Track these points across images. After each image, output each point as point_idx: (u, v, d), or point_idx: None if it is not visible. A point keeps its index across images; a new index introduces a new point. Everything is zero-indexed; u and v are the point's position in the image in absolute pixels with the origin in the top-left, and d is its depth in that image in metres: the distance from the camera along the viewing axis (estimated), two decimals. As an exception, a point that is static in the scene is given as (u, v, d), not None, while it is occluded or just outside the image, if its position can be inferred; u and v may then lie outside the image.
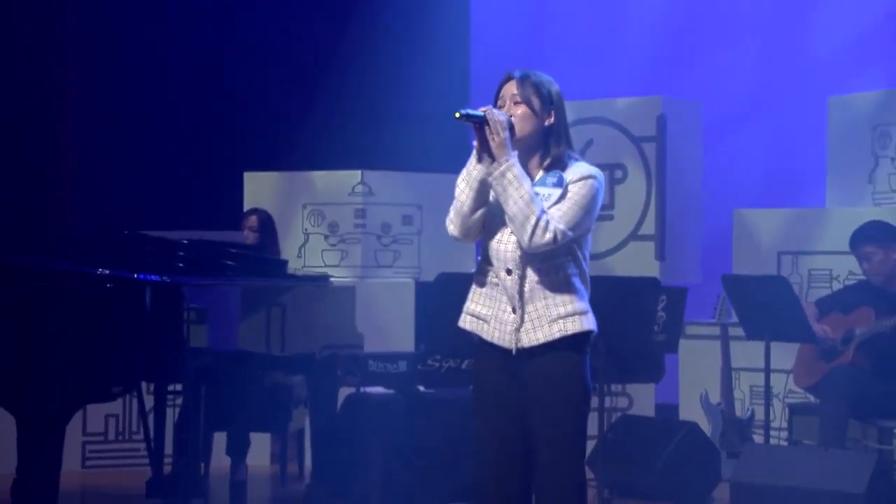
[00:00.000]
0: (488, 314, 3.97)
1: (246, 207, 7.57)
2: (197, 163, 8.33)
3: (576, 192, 3.86)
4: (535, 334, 3.89)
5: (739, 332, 6.87)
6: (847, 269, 7.04)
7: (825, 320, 6.37)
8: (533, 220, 3.77)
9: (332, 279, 6.85)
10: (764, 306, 6.42)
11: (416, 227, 7.96)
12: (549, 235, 3.78)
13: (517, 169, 3.80)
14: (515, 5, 9.41)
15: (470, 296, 4.04)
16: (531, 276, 3.89)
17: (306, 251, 7.80)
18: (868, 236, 6.31)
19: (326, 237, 7.89)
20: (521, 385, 3.94)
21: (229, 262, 5.68)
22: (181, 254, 5.42)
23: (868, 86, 7.93)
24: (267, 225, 6.96)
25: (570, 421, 3.93)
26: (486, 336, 3.98)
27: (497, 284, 3.94)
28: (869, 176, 7.45)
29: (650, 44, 9.07)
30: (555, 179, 3.88)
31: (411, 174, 8.03)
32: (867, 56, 8.53)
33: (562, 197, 3.86)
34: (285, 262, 6.13)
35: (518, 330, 3.91)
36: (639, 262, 7.53)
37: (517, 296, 3.90)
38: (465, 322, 4.04)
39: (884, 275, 6.27)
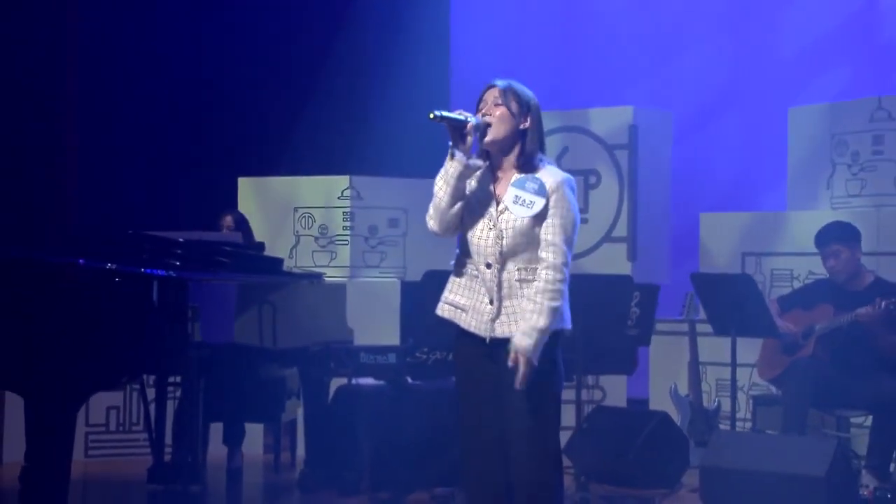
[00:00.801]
0: (466, 304, 4.01)
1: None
2: (193, 168, 8.30)
3: (561, 206, 3.91)
4: (510, 327, 3.93)
5: (706, 328, 6.87)
6: (807, 269, 7.04)
7: (787, 316, 6.39)
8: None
9: (324, 276, 6.90)
10: (731, 303, 6.42)
11: (401, 229, 7.96)
12: (562, 274, 3.88)
13: (456, 168, 3.89)
14: (493, 24, 9.39)
15: (448, 286, 4.08)
16: (510, 270, 3.93)
17: (297, 252, 7.79)
18: (835, 236, 6.31)
19: (317, 239, 7.87)
20: (498, 367, 3.95)
21: (228, 260, 5.65)
22: (181, 252, 5.40)
23: (826, 97, 7.95)
24: (243, 224, 6.99)
25: (543, 406, 3.94)
26: (463, 324, 4.01)
27: (476, 276, 3.98)
28: (827, 182, 7.44)
29: (622, 55, 9.08)
30: (536, 186, 3.92)
31: (397, 179, 8.03)
32: (825, 68, 8.56)
33: (545, 208, 3.89)
34: (281, 260, 6.15)
35: (494, 321, 3.94)
36: (611, 262, 7.54)
37: (496, 288, 3.93)
38: (444, 311, 4.08)
39: (848, 273, 6.27)
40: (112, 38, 8.24)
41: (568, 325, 3.99)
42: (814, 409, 6.31)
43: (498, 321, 3.94)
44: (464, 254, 4.03)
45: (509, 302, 3.93)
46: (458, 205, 3.94)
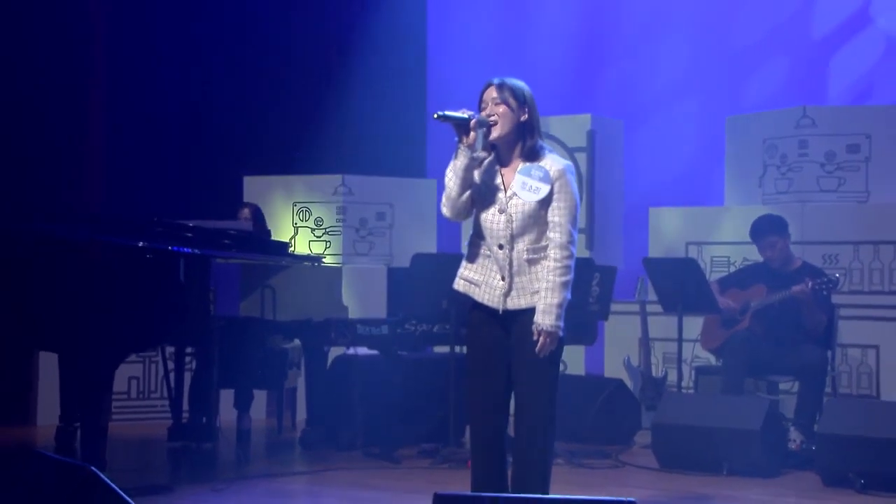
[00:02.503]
0: (480, 280, 4.03)
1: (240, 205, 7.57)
2: (204, 167, 8.27)
3: (565, 192, 3.93)
4: (519, 301, 3.97)
5: (655, 308, 6.92)
6: (742, 256, 7.11)
7: (725, 295, 6.46)
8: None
9: (323, 259, 6.99)
10: (677, 283, 6.49)
11: (388, 221, 8.00)
12: (570, 251, 3.92)
13: (462, 161, 3.93)
14: (466, 40, 9.33)
15: (463, 264, 4.08)
16: (519, 250, 3.95)
17: (296, 242, 7.80)
18: (770, 228, 6.37)
19: (313, 230, 7.91)
20: (507, 335, 4.01)
21: (232, 242, 5.59)
22: (191, 235, 5.33)
23: (759, 107, 7.98)
24: (258, 215, 7.00)
25: (547, 366, 3.99)
26: (477, 298, 4.03)
27: (489, 256, 4.00)
28: (759, 181, 7.45)
29: (581, 68, 9.03)
30: (541, 174, 3.93)
31: (384, 178, 8.08)
32: (757, 81, 8.59)
33: (550, 193, 3.92)
34: (287, 244, 6.16)
35: (505, 295, 3.97)
36: None
37: (507, 266, 3.96)
38: (459, 285, 4.09)
39: (781, 259, 6.34)
40: (134, 44, 8.18)
41: (568, 296, 4.00)
42: (748, 377, 6.36)
43: (509, 296, 3.97)
44: (477, 236, 4.05)
45: (518, 278, 3.96)
46: (468, 193, 3.97)
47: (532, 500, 3.43)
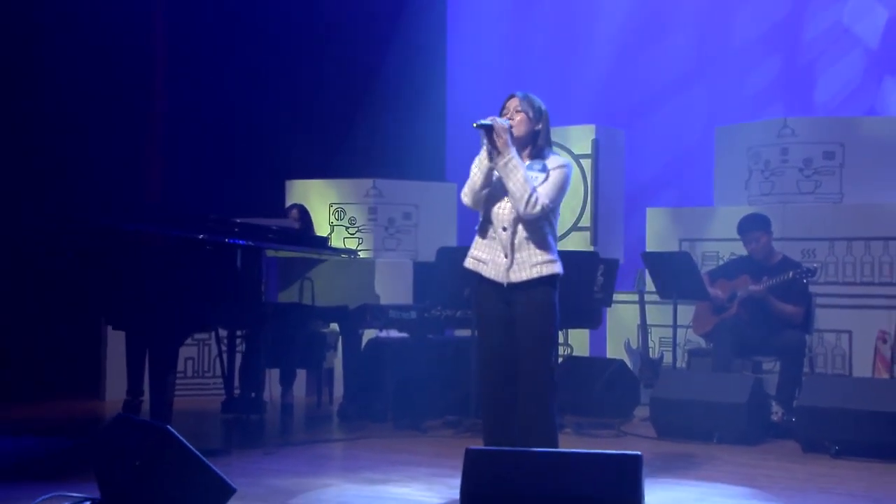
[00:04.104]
0: (487, 258, 4.18)
1: (287, 206, 7.66)
2: (251, 171, 8.36)
3: (554, 176, 4.14)
4: (521, 274, 4.12)
5: (652, 297, 6.97)
6: (730, 251, 7.11)
7: (715, 285, 6.50)
8: (527, 196, 4.04)
9: (358, 252, 7.01)
10: (673, 274, 6.57)
11: (413, 220, 8.04)
12: (538, 206, 4.06)
13: (516, 160, 4.07)
14: (484, 56, 9.35)
15: (473, 245, 4.25)
16: (520, 232, 4.12)
17: (332, 239, 7.79)
18: (754, 225, 6.41)
19: (347, 228, 7.95)
20: (511, 308, 4.14)
21: (274, 237, 5.71)
22: (238, 230, 5.42)
23: (745, 118, 8.00)
24: (305, 215, 7.10)
25: (546, 331, 4.14)
26: (485, 274, 4.19)
27: (494, 238, 4.16)
28: (745, 184, 7.49)
29: (587, 83, 9.01)
30: (540, 167, 4.15)
31: (410, 182, 8.14)
32: (744, 95, 8.61)
33: (545, 180, 4.11)
34: (327, 238, 6.25)
35: (508, 270, 4.12)
36: (579, 245, 7.58)
37: (509, 246, 4.12)
38: (469, 263, 4.25)
39: (764, 253, 6.38)
40: (190, 66, 8.25)
41: (561, 272, 4.18)
42: (735, 358, 6.39)
43: (511, 270, 4.12)
44: (486, 221, 4.21)
45: (519, 254, 4.13)
46: (487, 188, 4.13)
47: (550, 453, 3.55)
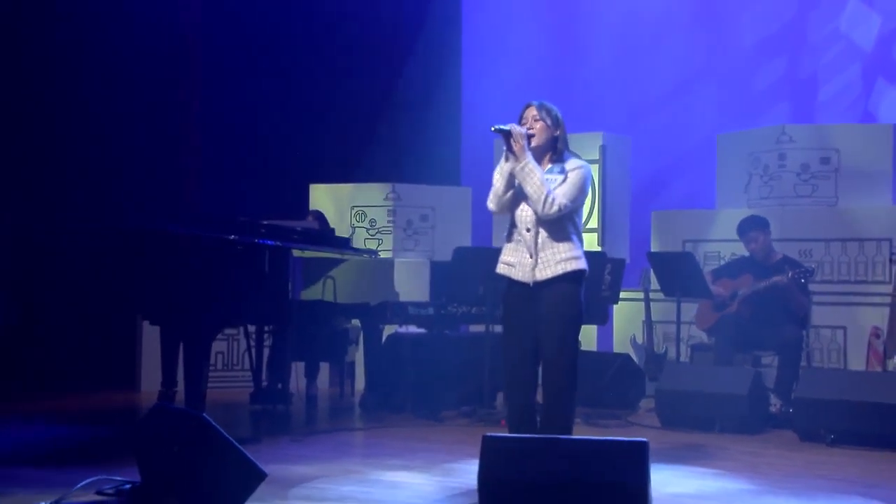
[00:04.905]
0: (514, 261, 4.18)
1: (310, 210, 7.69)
2: (276, 177, 8.40)
3: (572, 177, 4.13)
4: (546, 272, 4.11)
5: (657, 295, 6.98)
6: (731, 252, 7.11)
7: (717, 284, 6.50)
8: (544, 197, 4.04)
9: (378, 252, 7.05)
10: (677, 273, 6.57)
11: (430, 223, 8.06)
12: (555, 207, 4.06)
13: (532, 164, 4.08)
14: (494, 74, 9.37)
15: (503, 250, 4.25)
16: (543, 233, 4.12)
17: (353, 240, 7.73)
18: (753, 226, 6.41)
19: (368, 230, 7.98)
20: (537, 306, 4.12)
21: (299, 237, 5.76)
22: (264, 231, 5.46)
23: (745, 125, 7.97)
24: (321, 218, 7.12)
25: (571, 321, 4.13)
26: (514, 276, 4.17)
27: (520, 241, 4.17)
28: (745, 187, 7.48)
29: (595, 92, 9.00)
30: (559, 170, 4.15)
31: (427, 186, 8.16)
32: (744, 103, 8.59)
33: (564, 181, 4.12)
34: (348, 239, 6.24)
35: (534, 269, 4.11)
36: (586, 246, 7.11)
37: (533, 246, 4.12)
38: (500, 269, 4.24)
39: (764, 252, 6.38)
40: (221, 84, 8.33)
41: (586, 268, 4.16)
42: (736, 352, 6.39)
43: (537, 269, 4.11)
44: (512, 225, 4.22)
45: (543, 254, 4.12)
46: (510, 192, 4.14)
47: (563, 440, 3.61)
